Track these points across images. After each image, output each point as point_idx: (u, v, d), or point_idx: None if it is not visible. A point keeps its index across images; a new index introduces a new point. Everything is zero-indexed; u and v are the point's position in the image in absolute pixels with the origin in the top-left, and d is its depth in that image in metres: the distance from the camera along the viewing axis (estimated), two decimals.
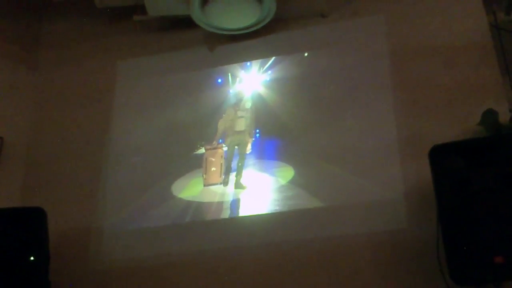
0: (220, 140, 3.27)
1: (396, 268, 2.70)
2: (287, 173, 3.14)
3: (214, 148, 3.19)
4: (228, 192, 3.18)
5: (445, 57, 3.07)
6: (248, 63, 3.47)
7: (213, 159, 3.13)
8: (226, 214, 3.13)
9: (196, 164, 3.31)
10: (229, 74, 3.45)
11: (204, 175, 3.19)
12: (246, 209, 3.13)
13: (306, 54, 3.40)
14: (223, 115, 3.35)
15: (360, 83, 3.23)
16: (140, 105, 3.64)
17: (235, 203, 3.15)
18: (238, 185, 3.15)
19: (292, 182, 3.11)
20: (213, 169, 3.16)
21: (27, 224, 2.78)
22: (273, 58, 3.47)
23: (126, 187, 3.39)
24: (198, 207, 3.19)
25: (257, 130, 3.33)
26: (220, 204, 3.16)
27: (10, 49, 3.87)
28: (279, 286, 2.88)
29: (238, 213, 3.13)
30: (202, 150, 3.28)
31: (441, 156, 2.38)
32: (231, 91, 3.45)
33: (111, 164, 3.49)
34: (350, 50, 3.35)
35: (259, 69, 3.45)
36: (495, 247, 2.17)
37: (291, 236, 2.97)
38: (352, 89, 3.23)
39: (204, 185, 3.20)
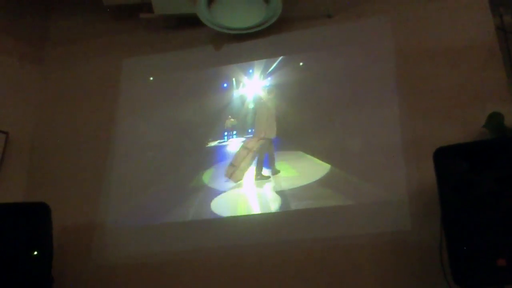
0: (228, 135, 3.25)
1: (398, 269, 2.70)
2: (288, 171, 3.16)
3: (258, 140, 3.13)
4: (235, 189, 3.20)
5: (450, 59, 3.07)
6: (250, 70, 3.45)
7: (255, 150, 3.05)
8: (230, 212, 3.14)
9: (201, 161, 3.33)
10: (233, 79, 3.44)
11: (237, 171, 3.10)
12: (249, 208, 3.14)
13: (301, 64, 3.39)
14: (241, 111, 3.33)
15: (365, 84, 3.22)
16: (145, 103, 3.65)
17: (239, 201, 3.16)
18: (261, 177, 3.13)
19: (296, 182, 3.11)
20: (246, 162, 3.09)
21: (31, 219, 2.78)
22: (279, 58, 3.45)
23: (131, 183, 3.40)
24: (202, 204, 3.20)
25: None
26: (225, 201, 3.17)
27: (16, 45, 3.88)
28: (282, 285, 2.88)
29: (241, 211, 3.14)
30: (212, 144, 3.27)
31: (445, 159, 2.37)
32: (235, 94, 3.45)
33: (115, 161, 3.50)
34: (355, 51, 3.34)
35: (264, 69, 3.44)
36: (499, 250, 2.16)
37: (294, 235, 2.97)
38: (357, 90, 3.22)
39: (236, 180, 3.14)
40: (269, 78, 3.41)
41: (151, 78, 3.64)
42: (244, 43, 3.60)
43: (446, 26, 3.17)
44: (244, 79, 3.45)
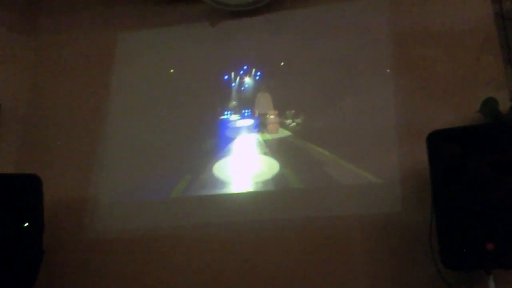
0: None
1: (388, 250, 2.72)
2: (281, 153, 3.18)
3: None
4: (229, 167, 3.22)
5: (447, 44, 3.05)
6: (245, 67, 3.44)
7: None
8: (223, 189, 3.14)
9: (198, 137, 3.33)
10: (232, 73, 3.43)
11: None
12: (241, 186, 3.14)
13: (282, 64, 3.38)
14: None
15: (360, 66, 3.21)
16: (140, 77, 3.62)
17: (234, 179, 3.18)
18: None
19: (288, 163, 3.11)
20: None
21: (22, 190, 2.78)
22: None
23: (124, 157, 3.39)
24: (195, 181, 3.20)
25: (249, 110, 3.35)
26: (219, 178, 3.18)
27: (8, 15, 3.84)
28: (272, 263, 2.90)
29: (234, 189, 3.14)
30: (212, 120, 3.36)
31: (438, 142, 2.39)
32: (233, 84, 3.44)
33: (109, 134, 3.48)
34: (351, 33, 3.31)
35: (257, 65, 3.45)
36: (488, 234, 2.19)
37: (285, 215, 2.98)
38: (352, 72, 3.21)
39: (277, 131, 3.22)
40: (259, 73, 3.40)
41: (172, 71, 3.60)
42: (240, 20, 3.56)
43: (444, 9, 3.15)
44: (240, 74, 3.43)
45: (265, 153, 3.18)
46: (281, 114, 3.26)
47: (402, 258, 2.68)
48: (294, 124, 3.20)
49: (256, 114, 3.32)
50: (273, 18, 3.53)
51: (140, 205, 3.23)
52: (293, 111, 3.23)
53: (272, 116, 3.18)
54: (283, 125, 3.23)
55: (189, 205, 3.16)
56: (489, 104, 2.66)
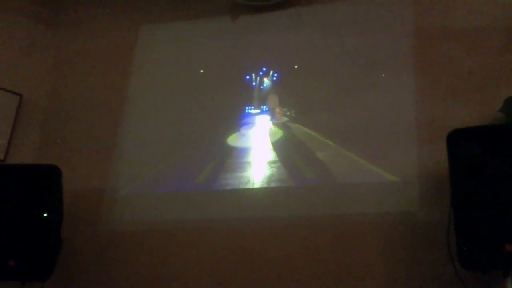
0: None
1: (405, 249, 2.70)
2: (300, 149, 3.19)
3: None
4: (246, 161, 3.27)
5: (470, 40, 3.01)
6: (264, 68, 3.46)
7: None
8: (244, 184, 3.16)
9: (217, 132, 3.37)
10: (253, 74, 3.45)
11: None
12: (257, 182, 3.15)
13: (296, 67, 3.40)
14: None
15: (382, 62, 3.18)
16: (161, 70, 3.65)
17: (251, 173, 3.19)
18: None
19: (307, 158, 3.12)
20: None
21: (42, 181, 2.81)
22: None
23: (142, 150, 3.42)
24: (213, 175, 3.22)
25: (266, 105, 3.40)
26: (238, 173, 3.21)
27: (32, 7, 3.87)
28: (287, 260, 2.90)
29: (251, 184, 3.15)
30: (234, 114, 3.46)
31: (459, 141, 2.35)
32: (254, 84, 3.46)
33: (128, 127, 3.52)
34: (372, 28, 3.28)
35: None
36: (507, 234, 2.15)
37: (301, 212, 2.98)
38: (372, 69, 3.18)
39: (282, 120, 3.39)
40: (276, 74, 3.43)
41: (202, 71, 3.61)
42: (261, 15, 3.56)
43: (467, 5, 3.11)
44: (260, 75, 3.46)
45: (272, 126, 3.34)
46: (296, 110, 3.31)
47: (419, 257, 2.66)
48: (293, 114, 3.35)
49: (269, 109, 3.40)
50: (293, 13, 3.52)
51: (158, 198, 3.25)
52: (292, 111, 3.34)
53: (277, 109, 3.36)
54: (295, 120, 3.29)
55: (205, 199, 3.18)
56: (511, 104, 2.61)
